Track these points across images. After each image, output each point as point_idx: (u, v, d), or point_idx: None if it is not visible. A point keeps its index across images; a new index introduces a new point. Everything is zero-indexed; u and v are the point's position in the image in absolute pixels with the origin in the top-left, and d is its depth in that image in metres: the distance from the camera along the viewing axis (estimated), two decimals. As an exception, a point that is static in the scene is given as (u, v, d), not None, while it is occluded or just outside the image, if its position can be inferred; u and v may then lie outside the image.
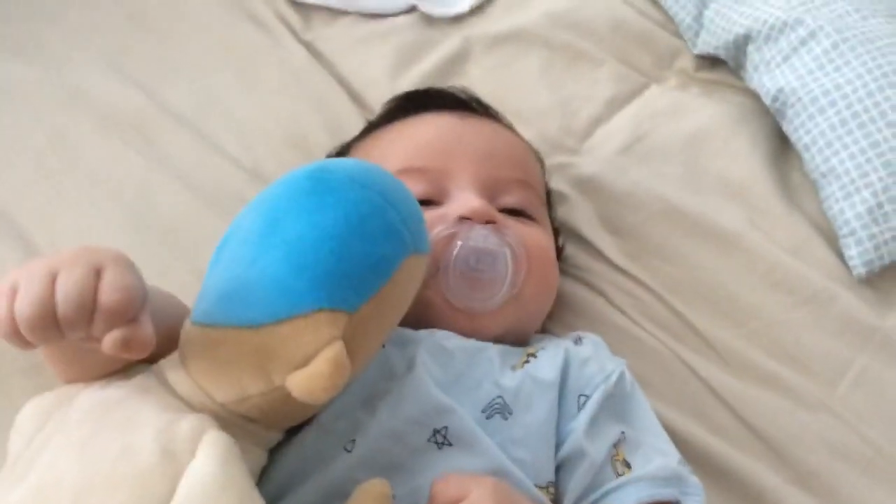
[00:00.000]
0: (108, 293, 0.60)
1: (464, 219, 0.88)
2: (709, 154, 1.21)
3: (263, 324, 0.64)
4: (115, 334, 0.60)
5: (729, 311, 1.07)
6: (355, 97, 1.27)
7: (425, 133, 0.98)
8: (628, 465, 0.82)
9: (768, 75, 1.21)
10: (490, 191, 0.94)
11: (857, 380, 1.01)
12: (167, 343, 0.71)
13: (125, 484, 0.60)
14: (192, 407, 0.67)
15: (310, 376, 0.63)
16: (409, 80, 1.26)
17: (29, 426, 0.69)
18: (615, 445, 0.83)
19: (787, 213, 1.14)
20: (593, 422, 0.82)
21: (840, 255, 1.11)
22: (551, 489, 0.79)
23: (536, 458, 0.79)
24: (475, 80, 1.26)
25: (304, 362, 0.63)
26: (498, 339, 0.88)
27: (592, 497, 0.80)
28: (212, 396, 0.67)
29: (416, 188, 0.89)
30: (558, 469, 0.81)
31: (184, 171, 1.15)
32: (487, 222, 0.89)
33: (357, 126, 1.14)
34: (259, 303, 0.65)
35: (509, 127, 1.07)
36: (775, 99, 1.18)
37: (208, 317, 0.68)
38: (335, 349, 0.63)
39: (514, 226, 0.92)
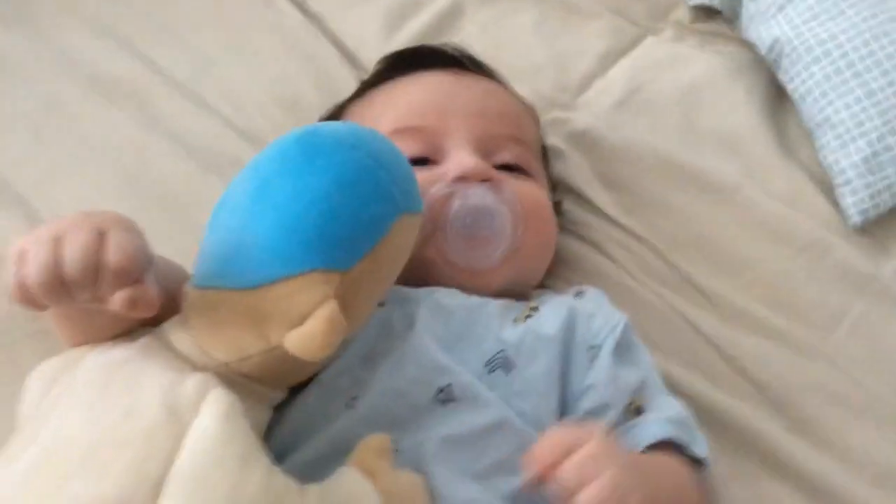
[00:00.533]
0: (113, 254, 0.61)
1: (460, 178, 0.89)
2: (704, 106, 1.21)
3: (258, 285, 0.66)
4: (122, 294, 0.61)
5: (725, 263, 1.07)
6: (349, 57, 1.27)
7: (418, 92, 0.98)
8: (639, 413, 0.84)
9: (763, 25, 1.20)
10: (485, 148, 0.94)
11: (853, 327, 1.02)
12: (169, 306, 0.72)
13: (132, 442, 0.61)
14: (195, 367, 0.68)
15: (306, 335, 0.64)
16: (403, 39, 1.26)
17: (37, 389, 0.71)
18: (634, 392, 0.85)
19: (783, 164, 1.15)
20: (613, 375, 0.84)
21: (836, 205, 1.11)
22: None
23: (537, 409, 0.80)
24: (468, 37, 1.26)
25: (300, 321, 0.65)
26: (498, 295, 0.89)
27: None
28: (213, 356, 0.69)
29: (411, 148, 0.90)
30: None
31: (178, 135, 1.15)
32: (484, 180, 0.89)
33: (350, 87, 1.14)
34: (253, 265, 0.66)
35: (503, 84, 1.07)
36: (770, 49, 1.18)
37: (207, 280, 0.69)
38: (329, 308, 0.65)
39: (510, 182, 0.92)
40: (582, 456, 0.65)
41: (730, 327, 1.02)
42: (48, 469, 0.63)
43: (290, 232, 0.66)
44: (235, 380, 0.69)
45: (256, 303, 0.66)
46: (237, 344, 0.68)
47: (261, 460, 0.63)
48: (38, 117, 1.16)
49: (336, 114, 1.06)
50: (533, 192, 0.95)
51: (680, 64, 1.25)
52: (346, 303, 0.66)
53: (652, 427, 0.81)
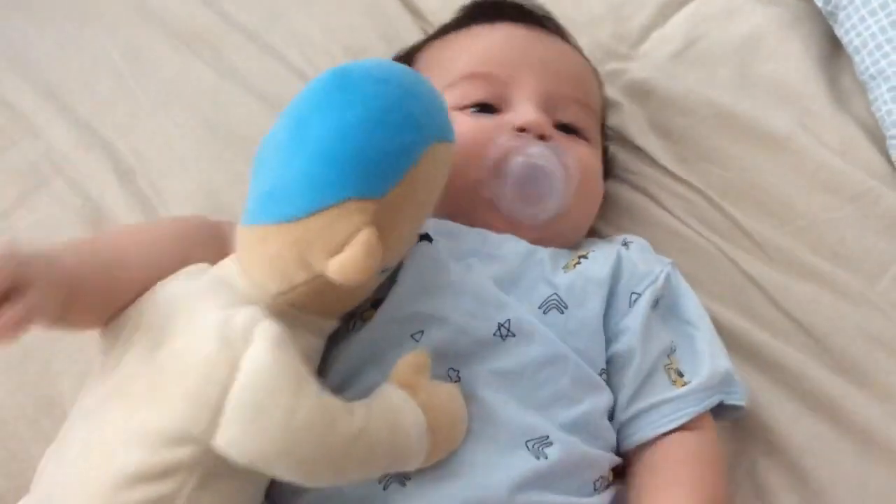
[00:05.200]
0: None
1: (521, 130, 0.91)
2: (761, 57, 1.22)
3: (300, 217, 0.69)
4: None
5: (776, 211, 1.09)
6: (411, 9, 1.30)
7: (494, 41, 1.01)
8: (681, 374, 0.87)
9: (821, -23, 1.21)
10: (549, 105, 0.96)
11: None
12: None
13: (190, 373, 0.66)
14: (249, 300, 0.72)
15: (345, 261, 0.68)
16: (464, -10, 1.29)
17: (109, 336, 0.76)
18: (668, 355, 0.88)
19: (837, 115, 1.15)
20: (646, 325, 0.87)
21: (887, 156, 1.12)
22: (604, 376, 0.85)
23: (589, 348, 0.85)
24: (530, -13, 1.28)
25: (340, 249, 0.68)
26: (536, 243, 0.92)
27: (644, 402, 0.85)
28: (266, 289, 0.73)
29: (479, 92, 0.95)
30: (609, 366, 0.86)
31: (251, 83, 1.21)
32: (542, 136, 0.92)
33: (412, 35, 1.18)
34: (294, 198, 0.70)
35: (577, 48, 1.09)
36: (827, 1, 1.19)
37: (254, 218, 0.73)
38: (366, 234, 0.68)
39: (568, 144, 0.94)
40: None
41: (778, 272, 1.04)
42: (117, 403, 0.69)
43: (324, 163, 0.69)
44: (287, 311, 0.73)
45: (299, 234, 0.69)
46: (285, 275, 0.72)
47: (311, 385, 0.67)
48: (121, 64, 1.22)
49: (409, 54, 1.09)
50: (588, 157, 0.97)
51: (737, 15, 1.26)
52: (383, 230, 0.70)
53: (690, 407, 0.84)
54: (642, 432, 0.84)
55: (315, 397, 0.67)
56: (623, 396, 0.85)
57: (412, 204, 0.74)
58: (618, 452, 0.85)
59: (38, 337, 0.94)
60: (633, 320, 0.87)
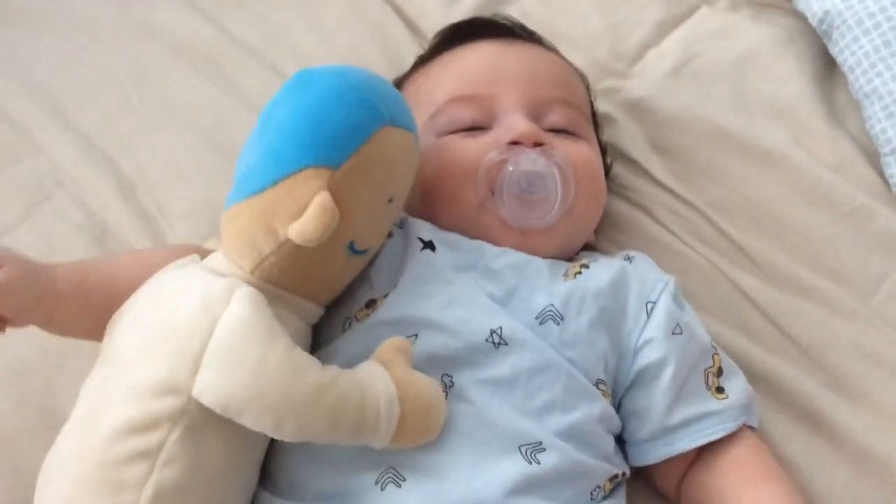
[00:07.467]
0: None
1: (513, 143, 0.93)
2: (756, 75, 1.23)
3: (264, 188, 0.77)
4: None
5: (771, 227, 1.10)
6: (411, 26, 1.32)
7: (471, 62, 1.02)
8: (719, 374, 0.89)
9: (816, -3, 1.22)
10: (535, 112, 0.98)
11: (893, 291, 1.04)
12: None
13: (175, 332, 0.73)
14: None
15: (303, 221, 0.75)
16: (463, 8, 1.30)
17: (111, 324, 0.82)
18: (713, 355, 0.90)
19: (831, 133, 1.16)
20: (670, 330, 0.88)
21: (881, 174, 1.13)
22: (601, 386, 0.86)
23: (584, 358, 0.85)
24: (526, 6, 1.30)
25: (300, 214, 0.75)
26: (551, 256, 0.93)
27: (686, 412, 0.87)
28: (242, 267, 0.79)
29: (465, 115, 0.96)
30: (638, 379, 0.88)
31: (253, 99, 1.22)
32: (535, 144, 0.93)
33: (414, 54, 1.19)
34: (259, 174, 0.78)
35: (552, 49, 1.10)
36: (822, 21, 1.20)
37: (230, 201, 0.80)
38: (322, 197, 0.75)
39: (560, 144, 0.95)
40: None
41: (773, 288, 1.05)
42: (116, 370, 0.76)
43: (284, 138, 0.77)
44: (265, 288, 0.78)
45: (265, 204, 0.77)
46: (254, 246, 0.78)
47: (284, 339, 0.73)
48: (125, 82, 1.24)
49: (398, 85, 1.09)
50: (582, 152, 0.98)
51: (733, 34, 1.27)
52: (341, 198, 0.77)
53: (729, 422, 0.87)
54: (685, 442, 0.87)
55: (286, 349, 0.73)
56: (659, 405, 0.87)
57: (369, 179, 0.80)
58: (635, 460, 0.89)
59: (41, 352, 0.98)
60: (654, 330, 0.88)
